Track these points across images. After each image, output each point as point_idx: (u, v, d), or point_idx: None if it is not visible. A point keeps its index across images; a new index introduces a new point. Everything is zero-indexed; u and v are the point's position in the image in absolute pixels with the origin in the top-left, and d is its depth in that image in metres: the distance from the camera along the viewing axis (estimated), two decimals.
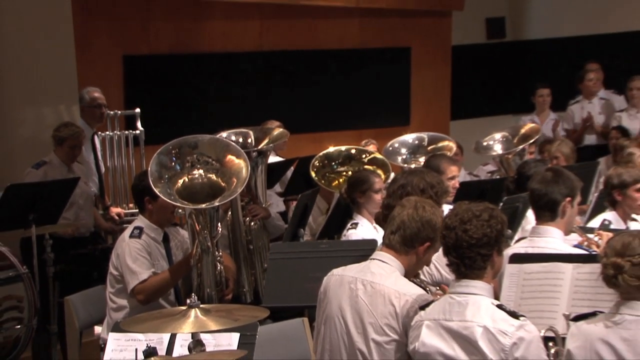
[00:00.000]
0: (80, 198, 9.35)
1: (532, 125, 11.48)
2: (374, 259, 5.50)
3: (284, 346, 6.17)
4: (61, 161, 9.47)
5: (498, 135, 10.76)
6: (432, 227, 5.41)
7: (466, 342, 4.88)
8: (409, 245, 5.45)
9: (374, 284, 5.38)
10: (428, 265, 5.79)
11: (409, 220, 5.44)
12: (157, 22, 12.61)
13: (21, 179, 9.12)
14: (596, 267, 4.95)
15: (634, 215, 7.23)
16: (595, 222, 7.30)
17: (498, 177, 10.22)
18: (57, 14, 10.18)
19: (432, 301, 5.17)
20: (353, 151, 8.76)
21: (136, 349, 4.07)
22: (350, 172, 8.44)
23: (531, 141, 10.63)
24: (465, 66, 16.39)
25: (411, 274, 5.59)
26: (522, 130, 10.84)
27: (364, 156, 8.75)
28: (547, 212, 6.32)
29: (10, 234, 8.54)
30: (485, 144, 10.79)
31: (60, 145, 9.42)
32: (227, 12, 13.18)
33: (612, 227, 6.95)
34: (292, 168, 10.15)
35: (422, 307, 5.13)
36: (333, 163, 8.67)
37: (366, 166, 8.63)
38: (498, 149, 10.63)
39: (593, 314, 4.89)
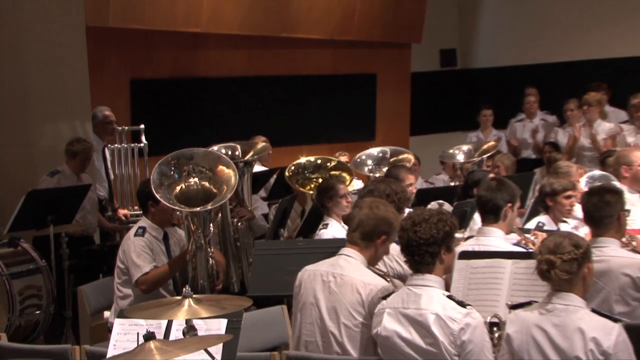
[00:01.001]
0: (88, 203, 9.34)
1: (492, 142, 11.63)
2: (341, 254, 5.53)
3: (266, 329, 6.19)
4: (72, 171, 9.49)
5: (465, 147, 10.92)
6: (386, 222, 5.50)
7: (421, 327, 4.93)
8: (369, 239, 5.50)
9: (343, 276, 5.43)
10: (387, 254, 5.77)
11: (366, 218, 5.49)
12: (159, 50, 12.60)
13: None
14: (532, 263, 4.99)
15: (563, 218, 7.27)
16: (531, 224, 7.36)
17: (456, 183, 10.24)
18: (73, 44, 10.22)
19: (393, 292, 5.20)
20: (319, 161, 8.81)
21: (138, 333, 4.03)
22: (320, 178, 8.46)
23: (488, 154, 10.74)
24: (422, 90, 16.45)
25: (373, 263, 5.66)
26: (484, 147, 10.98)
27: (329, 164, 8.80)
28: (492, 215, 6.42)
29: (24, 233, 8.59)
30: (451, 151, 10.94)
31: (73, 158, 9.46)
32: (220, 43, 13.18)
33: (545, 228, 7.03)
34: (274, 176, 10.17)
35: (384, 297, 5.17)
36: (305, 171, 8.69)
37: (332, 172, 8.65)
38: (460, 158, 10.75)
39: (529, 303, 4.94)
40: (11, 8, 9.66)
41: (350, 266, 5.44)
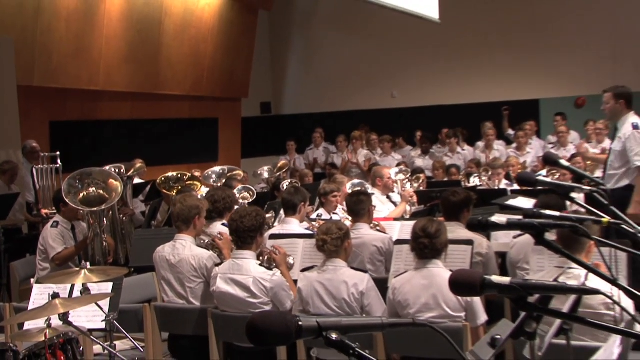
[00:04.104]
0: (17, 205, 9.11)
1: (284, 161, 11.80)
2: (176, 240, 5.51)
3: (142, 288, 6.06)
4: (4, 183, 9.40)
5: (265, 168, 10.97)
6: (194, 207, 5.50)
7: (243, 287, 4.95)
8: (188, 223, 5.50)
9: (180, 254, 5.44)
10: (203, 224, 5.73)
11: (180, 211, 5.50)
12: (70, 102, 12.23)
13: None
14: (314, 241, 5.03)
15: (335, 212, 7.38)
16: (314, 215, 7.41)
17: (266, 191, 10.31)
18: (8, 98, 10.02)
19: (223, 262, 5.21)
20: (178, 175, 8.70)
21: (49, 294, 3.91)
22: (180, 186, 8.36)
23: (284, 170, 10.87)
24: (249, 128, 16.47)
25: (199, 235, 5.64)
26: (279, 164, 11.08)
27: (185, 177, 8.71)
28: (291, 210, 6.52)
29: None
30: (259, 172, 11.01)
31: (4, 174, 9.42)
32: (112, 97, 12.89)
33: (323, 217, 7.09)
34: (149, 186, 10.02)
35: (217, 265, 5.17)
36: (170, 181, 8.58)
37: (188, 182, 8.59)
38: (266, 175, 10.84)
39: (312, 267, 5.01)
40: None
41: (183, 247, 5.44)
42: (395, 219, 7.11)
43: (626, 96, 6.90)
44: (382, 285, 5.10)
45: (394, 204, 8.50)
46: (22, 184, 9.79)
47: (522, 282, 1.94)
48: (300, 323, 1.62)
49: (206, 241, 5.82)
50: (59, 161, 10.00)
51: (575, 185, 3.31)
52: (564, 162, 3.64)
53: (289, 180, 9.69)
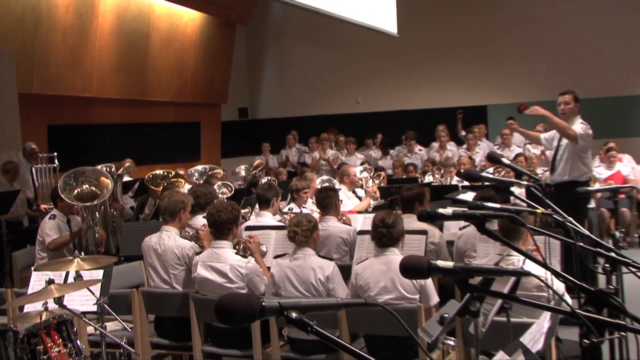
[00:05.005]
0: (18, 200, 8.99)
1: (260, 160, 11.72)
2: (162, 231, 5.46)
3: (130, 275, 5.99)
4: (7, 181, 9.30)
5: (242, 167, 10.93)
6: (180, 202, 5.46)
7: (221, 273, 4.93)
8: (174, 216, 5.45)
9: (164, 245, 5.38)
10: (187, 219, 5.69)
11: (167, 205, 5.45)
12: (66, 107, 12.09)
13: None
14: (286, 232, 5.01)
15: (304, 205, 7.36)
16: (286, 209, 7.39)
17: (243, 187, 10.27)
18: (10, 104, 9.91)
19: (202, 250, 5.18)
20: (165, 173, 8.65)
21: (45, 280, 3.87)
22: (166, 182, 8.31)
23: (259, 169, 10.84)
24: (228, 131, 16.38)
25: (184, 227, 5.62)
26: (255, 163, 11.04)
27: (170, 174, 8.67)
28: (265, 204, 6.49)
29: None
30: (237, 170, 10.96)
31: (6, 173, 9.32)
32: (104, 103, 12.76)
33: (294, 211, 7.06)
34: (137, 183, 9.95)
35: (198, 254, 5.13)
36: (157, 178, 8.53)
37: (173, 179, 8.54)
38: (243, 173, 10.79)
39: (284, 254, 4.99)
40: None
41: (168, 238, 5.40)
42: (359, 212, 7.13)
43: (580, 101, 7.10)
44: (346, 271, 5.11)
45: (359, 198, 8.52)
46: (23, 182, 9.68)
47: (463, 266, 1.97)
48: (263, 303, 1.62)
49: (191, 233, 5.81)
50: (56, 161, 9.91)
51: (514, 180, 3.35)
52: (505, 161, 3.68)
53: (267, 178, 9.66)
